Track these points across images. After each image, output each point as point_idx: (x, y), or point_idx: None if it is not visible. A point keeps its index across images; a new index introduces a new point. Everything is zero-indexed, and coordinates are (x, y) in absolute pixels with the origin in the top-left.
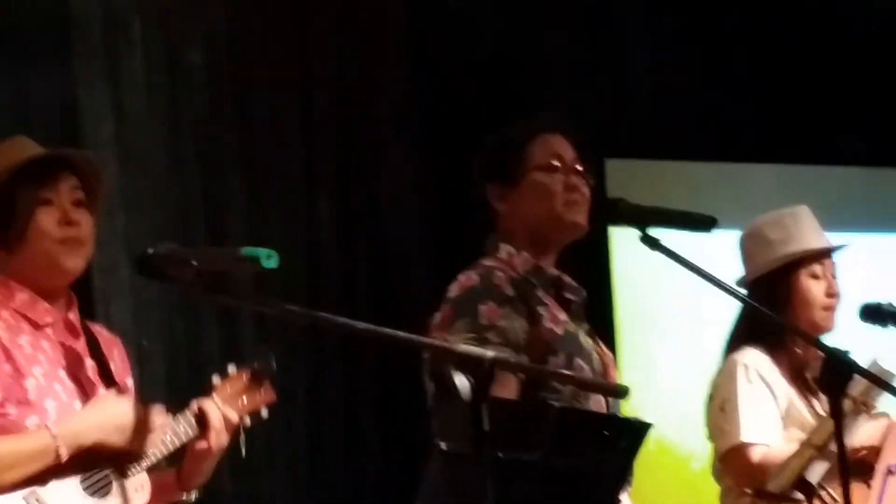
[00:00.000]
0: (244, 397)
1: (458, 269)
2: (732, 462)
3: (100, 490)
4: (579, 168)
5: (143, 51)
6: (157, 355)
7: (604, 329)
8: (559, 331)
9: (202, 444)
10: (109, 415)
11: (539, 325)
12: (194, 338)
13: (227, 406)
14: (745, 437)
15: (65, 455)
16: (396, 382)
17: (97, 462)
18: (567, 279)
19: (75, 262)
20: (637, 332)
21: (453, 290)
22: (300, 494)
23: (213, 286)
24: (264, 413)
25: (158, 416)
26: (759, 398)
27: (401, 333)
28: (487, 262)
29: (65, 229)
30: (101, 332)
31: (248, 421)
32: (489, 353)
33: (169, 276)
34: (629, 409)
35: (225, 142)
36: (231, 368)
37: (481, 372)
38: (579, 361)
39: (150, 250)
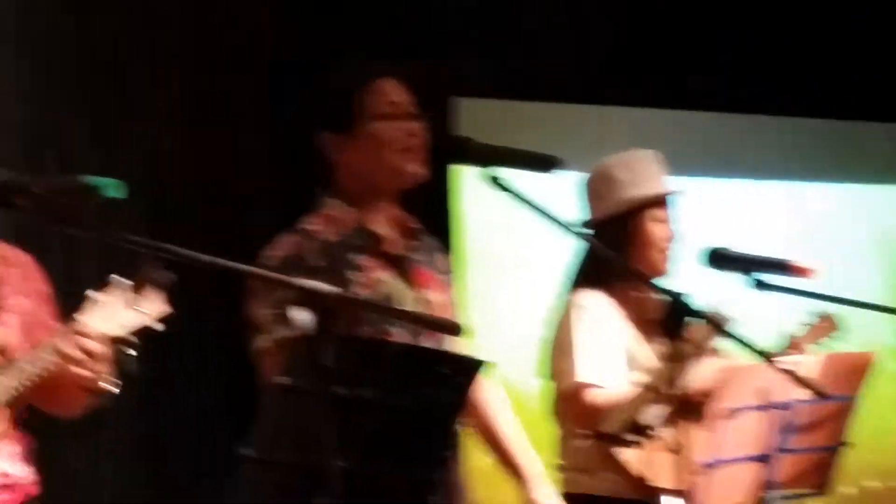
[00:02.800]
0: (128, 313)
1: (302, 212)
2: (570, 403)
3: None
4: (415, 112)
5: None
6: None
7: None
8: (371, 294)
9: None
10: None
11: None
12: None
13: (98, 326)
14: (581, 377)
15: None
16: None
17: None
18: (410, 225)
19: None
20: (483, 273)
21: (264, 257)
22: (139, 427)
23: (56, 214)
24: (159, 327)
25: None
26: (598, 339)
27: (246, 266)
28: (307, 226)
29: None
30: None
31: (133, 339)
32: (331, 288)
33: (9, 203)
34: (474, 349)
35: (69, 72)
36: (113, 278)
37: (322, 307)
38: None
39: None
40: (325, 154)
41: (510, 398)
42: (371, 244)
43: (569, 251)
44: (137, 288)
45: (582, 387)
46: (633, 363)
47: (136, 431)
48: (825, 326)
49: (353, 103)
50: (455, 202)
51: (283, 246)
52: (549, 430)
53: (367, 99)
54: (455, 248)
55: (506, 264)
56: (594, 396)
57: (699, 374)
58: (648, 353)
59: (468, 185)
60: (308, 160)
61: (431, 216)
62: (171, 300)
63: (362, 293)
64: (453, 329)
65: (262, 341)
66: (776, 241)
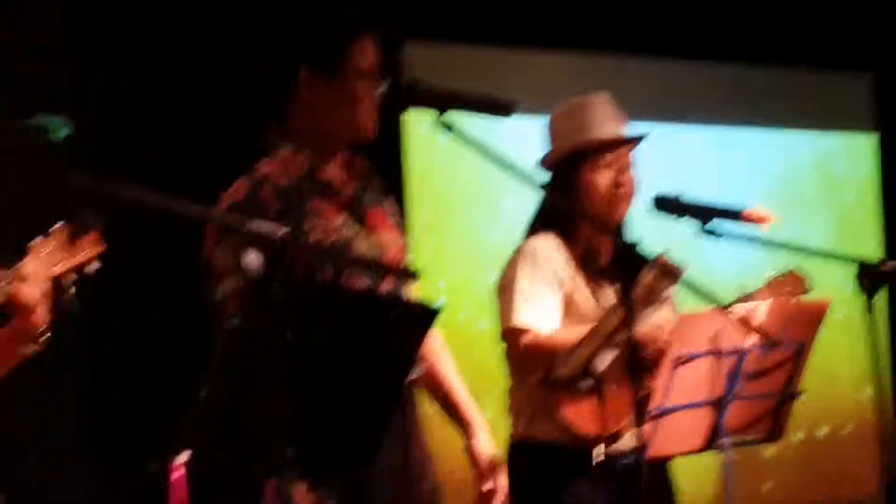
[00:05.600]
0: (66, 254)
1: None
2: (507, 344)
3: None
4: (381, 75)
5: None
6: None
7: None
8: (329, 241)
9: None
10: None
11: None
12: None
13: (41, 266)
14: (516, 320)
15: None
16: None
17: None
18: (360, 165)
19: None
20: (429, 217)
21: (224, 203)
22: (82, 365)
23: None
24: (94, 267)
25: None
26: (539, 283)
27: (193, 207)
28: (261, 169)
29: None
30: None
31: (72, 277)
32: (281, 229)
33: None
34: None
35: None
36: (56, 226)
37: (273, 249)
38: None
39: None
40: (293, 89)
41: (458, 341)
42: (323, 189)
43: (516, 195)
44: (74, 231)
45: (518, 329)
46: (575, 308)
47: (85, 378)
48: (793, 284)
49: (343, 51)
50: (402, 145)
51: (239, 190)
52: (496, 373)
53: (356, 52)
54: (402, 191)
55: (453, 207)
56: (530, 339)
57: (650, 321)
58: (597, 300)
59: (415, 127)
60: (259, 100)
61: (377, 159)
62: (105, 240)
63: (322, 239)
64: (409, 275)
65: (223, 288)
66: (732, 188)
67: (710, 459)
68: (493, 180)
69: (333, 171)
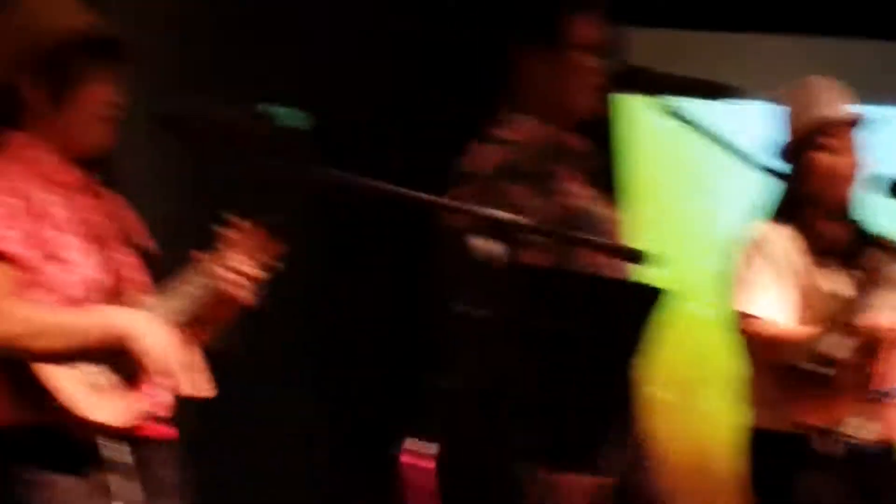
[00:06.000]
0: (254, 250)
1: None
2: (739, 331)
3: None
4: (603, 51)
5: None
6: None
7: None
8: (574, 208)
9: (223, 300)
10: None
11: (558, 206)
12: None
13: (240, 258)
14: (747, 307)
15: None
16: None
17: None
18: (580, 144)
19: (111, 140)
20: (651, 202)
21: (476, 166)
22: (310, 359)
23: (231, 144)
24: (277, 265)
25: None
26: (769, 272)
27: (434, 197)
28: (506, 135)
29: (110, 109)
30: (110, 194)
31: (260, 273)
32: (521, 218)
33: (186, 132)
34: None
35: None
36: (237, 220)
37: (514, 237)
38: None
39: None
40: (517, 66)
41: (686, 329)
42: (566, 155)
43: (742, 179)
44: (259, 228)
45: (748, 317)
46: (807, 297)
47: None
48: None
49: (562, 24)
50: (621, 131)
51: (490, 155)
52: (722, 362)
53: (577, 27)
54: (622, 178)
55: (673, 194)
56: (758, 327)
57: (882, 305)
58: (828, 285)
59: (634, 113)
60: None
61: (594, 141)
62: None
63: (568, 205)
64: (635, 256)
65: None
66: None
67: None
68: (713, 164)
69: (568, 140)
